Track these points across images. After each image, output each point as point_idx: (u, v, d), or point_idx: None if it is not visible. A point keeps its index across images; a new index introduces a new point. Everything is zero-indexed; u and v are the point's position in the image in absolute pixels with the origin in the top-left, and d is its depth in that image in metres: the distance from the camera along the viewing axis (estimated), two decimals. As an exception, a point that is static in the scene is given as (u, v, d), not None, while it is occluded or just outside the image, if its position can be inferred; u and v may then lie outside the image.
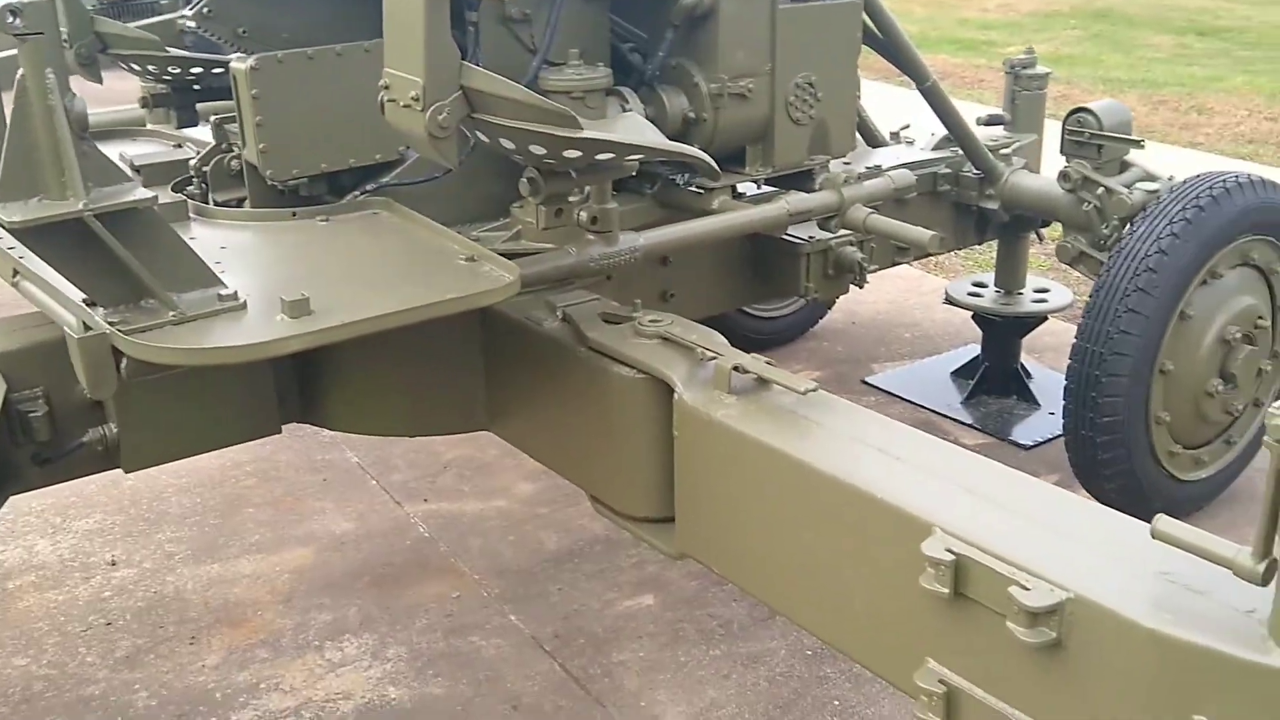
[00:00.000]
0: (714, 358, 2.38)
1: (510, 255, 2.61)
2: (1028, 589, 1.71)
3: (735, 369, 2.30)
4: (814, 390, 2.22)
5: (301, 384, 2.95)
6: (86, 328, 2.19)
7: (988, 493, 1.94)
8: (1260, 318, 3.66)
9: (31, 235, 2.03)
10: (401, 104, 2.22)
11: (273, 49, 2.74)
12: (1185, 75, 11.37)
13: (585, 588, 3.64)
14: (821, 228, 3.34)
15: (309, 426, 3.11)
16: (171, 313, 2.15)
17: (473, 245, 2.48)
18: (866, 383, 4.95)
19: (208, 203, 2.96)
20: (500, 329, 2.85)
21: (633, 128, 2.35)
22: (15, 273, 2.52)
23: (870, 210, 3.16)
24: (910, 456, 2.06)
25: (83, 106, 2.09)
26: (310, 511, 4.08)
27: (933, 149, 4.22)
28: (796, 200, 3.11)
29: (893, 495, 1.94)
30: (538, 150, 2.26)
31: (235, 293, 2.21)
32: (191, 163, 3.05)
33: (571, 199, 2.66)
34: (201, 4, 2.75)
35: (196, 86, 3.58)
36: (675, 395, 2.35)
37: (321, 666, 3.30)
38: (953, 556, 1.80)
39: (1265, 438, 1.51)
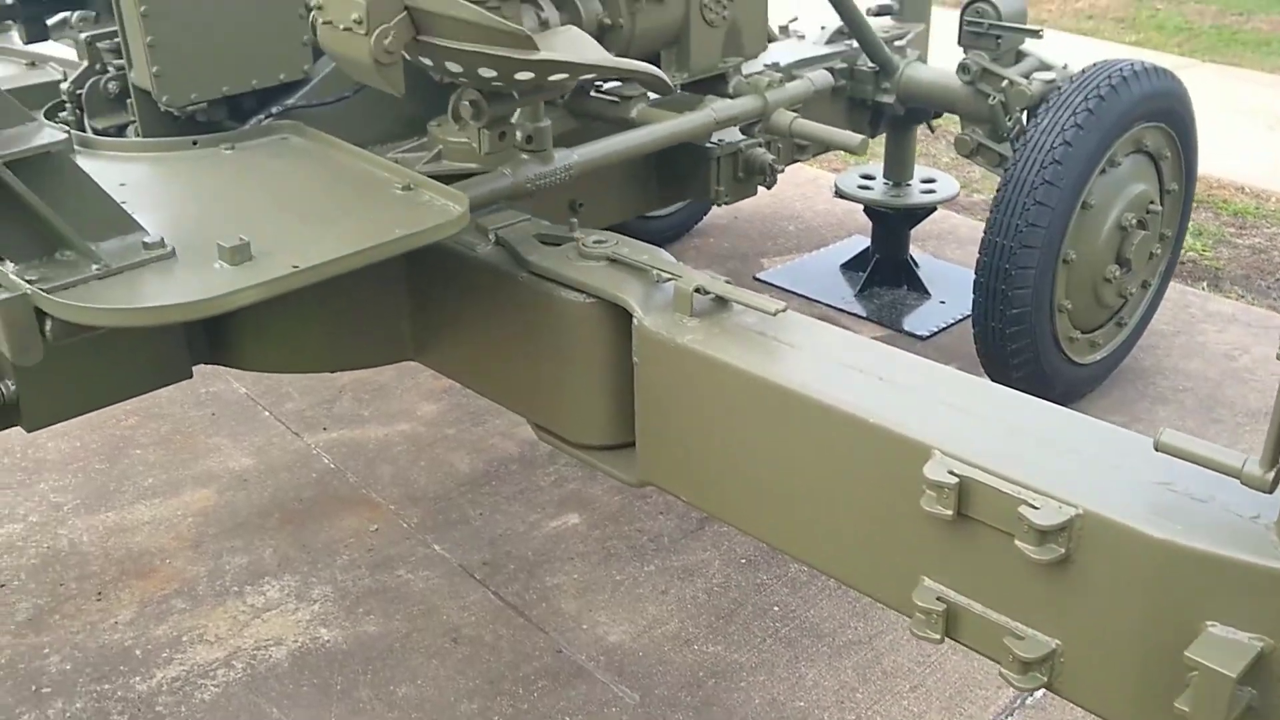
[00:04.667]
0: (670, 279, 2.30)
1: (435, 178, 2.46)
2: (1037, 508, 1.71)
3: (698, 291, 2.23)
4: (784, 310, 2.17)
5: (209, 322, 2.75)
6: (-4, 286, 1.97)
7: (977, 410, 1.93)
8: (1152, 202, 3.77)
9: None
10: (340, 27, 2.03)
11: None
12: (1020, -48, 11.53)
13: (507, 510, 3.57)
14: (743, 132, 3.26)
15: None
16: (94, 266, 1.95)
17: (407, 172, 2.33)
18: (759, 279, 4.94)
19: (83, 130, 2.71)
20: (426, 255, 2.69)
21: (577, 44, 2.21)
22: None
23: (795, 114, 3.10)
24: (891, 376, 2.04)
25: (-23, 36, 1.85)
26: (204, 449, 3.88)
27: (825, 43, 4.16)
28: (722, 107, 3.02)
29: (885, 418, 1.91)
30: (487, 73, 2.11)
31: (162, 239, 2.02)
32: (63, 86, 2.77)
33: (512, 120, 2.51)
34: None
35: (47, -2, 3.25)
36: (635, 321, 2.26)
37: (245, 613, 3.16)
38: (956, 479, 1.78)
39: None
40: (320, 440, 3.93)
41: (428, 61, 2.16)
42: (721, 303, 2.27)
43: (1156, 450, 1.70)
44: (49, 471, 3.76)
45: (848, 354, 2.11)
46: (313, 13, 2.12)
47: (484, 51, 2.02)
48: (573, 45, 2.20)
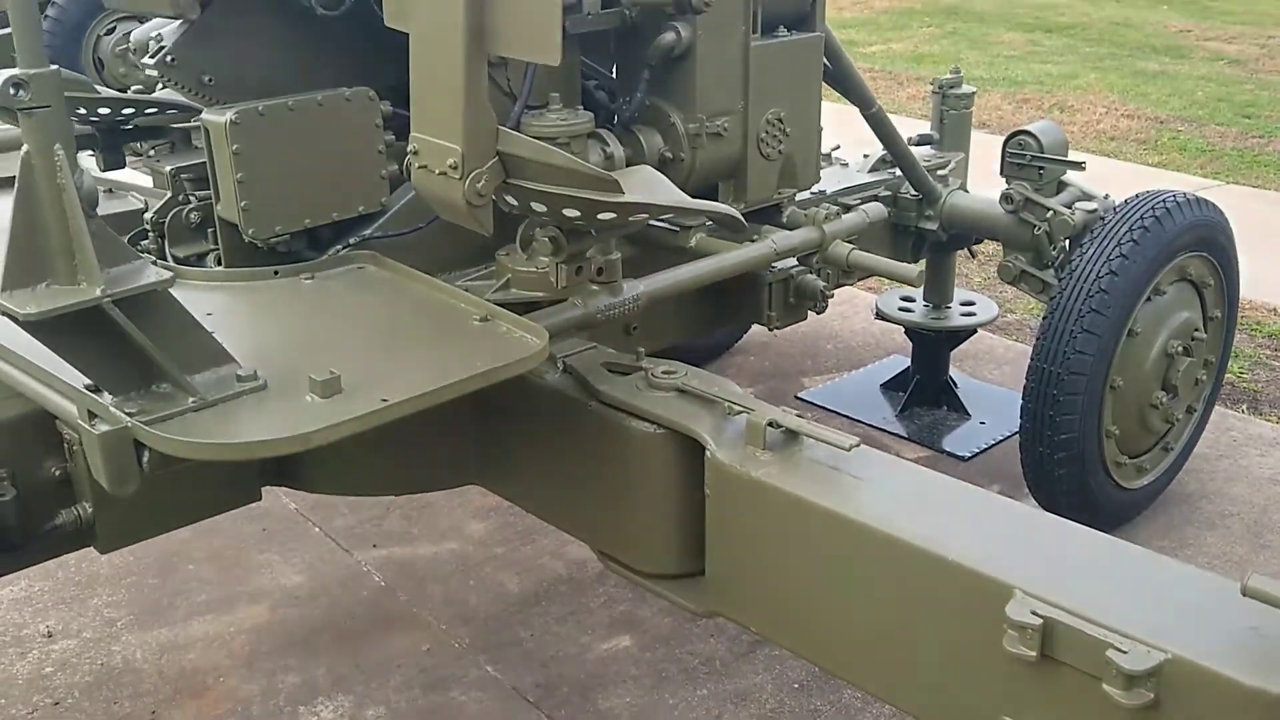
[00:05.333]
0: (742, 411, 2.35)
1: (504, 307, 2.53)
2: (1124, 651, 1.73)
3: (770, 424, 2.27)
4: (858, 445, 2.21)
5: (280, 446, 2.80)
6: (92, 415, 2.03)
7: (1058, 549, 1.96)
8: (1196, 329, 3.82)
9: (41, 326, 1.87)
10: (436, 172, 2.12)
11: (239, 97, 2.60)
12: (1041, 73, 11.79)
13: (558, 632, 3.57)
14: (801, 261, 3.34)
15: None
16: (191, 398, 2.01)
17: (484, 303, 2.40)
18: (800, 398, 4.99)
19: (164, 259, 2.80)
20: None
21: (653, 184, 2.30)
22: (-20, 348, 2.33)
23: (851, 246, 3.18)
24: (968, 512, 2.07)
25: (91, 183, 1.94)
26: (256, 565, 3.90)
27: (869, 171, 4.27)
28: (782, 239, 3.10)
29: (965, 556, 1.93)
30: (571, 213, 2.19)
31: (254, 372, 2.08)
32: (147, 216, 2.86)
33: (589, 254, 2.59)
34: (165, 52, 2.58)
35: (125, 126, 3.37)
36: (708, 454, 2.30)
37: (299, 735, 3.16)
38: (1040, 620, 1.80)
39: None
40: (371, 557, 3.95)
41: (512, 201, 2.24)
42: (793, 436, 2.31)
43: (1244, 595, 1.72)
44: (102, 586, 3.79)
45: (923, 489, 2.15)
46: (408, 157, 2.22)
47: (570, 194, 2.10)
48: (648, 185, 2.28)
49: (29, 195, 1.84)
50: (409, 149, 2.21)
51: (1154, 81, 11.41)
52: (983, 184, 4.60)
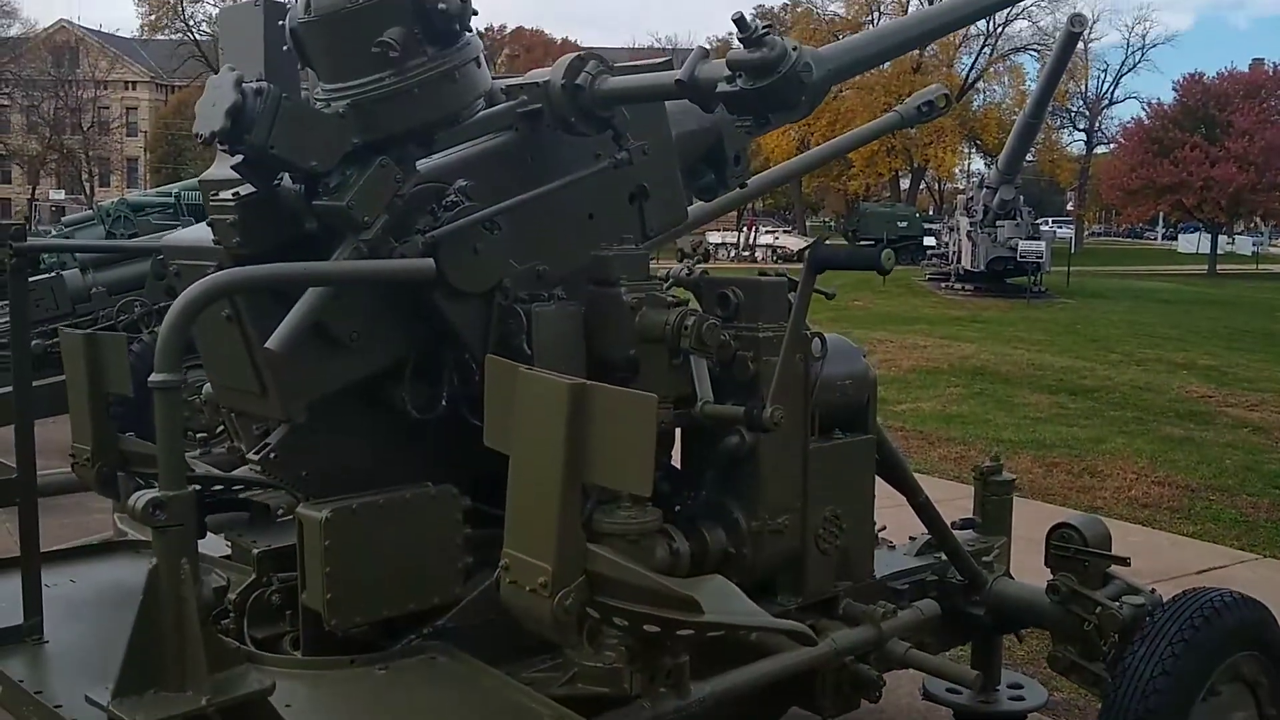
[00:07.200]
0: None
1: (568, 701, 2.59)
2: None
3: (841, 846, 2.27)
4: None
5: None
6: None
7: None
8: (1255, 732, 3.79)
9: None
10: (526, 588, 2.25)
11: (332, 490, 2.77)
12: (1069, 436, 12.10)
13: None
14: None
15: None
16: (279, 807, 2.06)
17: (556, 708, 2.46)
18: (849, 782, 4.87)
19: (244, 640, 2.89)
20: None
21: (725, 596, 2.41)
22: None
23: (908, 645, 3.24)
24: None
25: (210, 592, 2.07)
26: None
27: (915, 554, 4.37)
28: (842, 638, 3.18)
29: None
30: (651, 629, 2.29)
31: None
32: (231, 598, 2.98)
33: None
34: (269, 449, 2.78)
35: (208, 500, 3.56)
36: None
37: None
38: None
39: None
40: None
41: (594, 614, 2.35)
42: None
43: None
44: None
45: None
46: (499, 569, 2.35)
47: (653, 613, 2.21)
48: (723, 598, 2.39)
49: (153, 607, 1.97)
50: (501, 563, 2.35)
51: (1181, 448, 11.66)
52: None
